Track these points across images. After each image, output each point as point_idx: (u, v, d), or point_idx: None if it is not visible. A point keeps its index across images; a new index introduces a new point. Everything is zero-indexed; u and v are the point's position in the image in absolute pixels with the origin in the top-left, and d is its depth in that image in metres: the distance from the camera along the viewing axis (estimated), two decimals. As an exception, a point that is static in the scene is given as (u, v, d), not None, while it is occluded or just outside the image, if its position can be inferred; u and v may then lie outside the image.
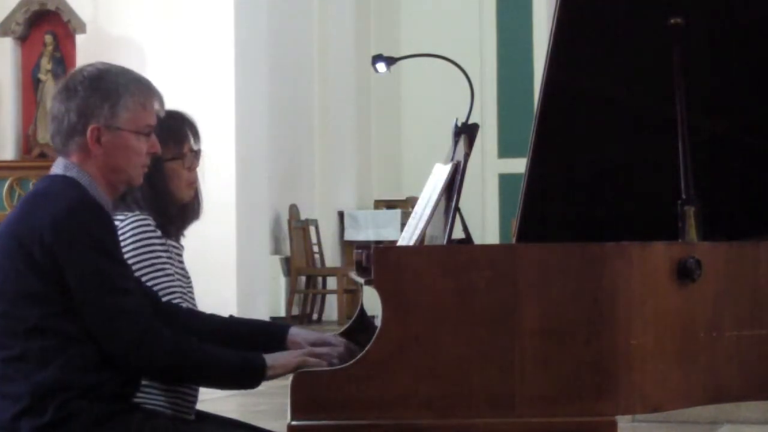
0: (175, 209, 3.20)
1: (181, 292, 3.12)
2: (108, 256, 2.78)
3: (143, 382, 3.00)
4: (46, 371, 2.75)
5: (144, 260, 3.04)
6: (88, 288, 2.75)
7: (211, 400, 5.45)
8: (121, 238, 3.01)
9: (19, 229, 2.80)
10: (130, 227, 3.08)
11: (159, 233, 3.12)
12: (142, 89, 2.91)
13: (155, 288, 3.03)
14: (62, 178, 2.86)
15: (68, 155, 2.88)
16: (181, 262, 3.25)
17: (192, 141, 3.24)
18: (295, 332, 3.08)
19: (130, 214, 3.10)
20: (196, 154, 3.25)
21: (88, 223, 2.77)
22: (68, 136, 2.87)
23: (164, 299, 3.04)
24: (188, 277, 3.24)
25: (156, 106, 2.94)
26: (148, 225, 3.10)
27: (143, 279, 3.03)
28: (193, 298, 3.24)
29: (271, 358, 2.89)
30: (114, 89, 2.87)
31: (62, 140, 2.88)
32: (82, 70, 2.93)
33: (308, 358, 2.91)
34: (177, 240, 3.26)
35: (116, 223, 3.04)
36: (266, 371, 2.87)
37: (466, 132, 3.25)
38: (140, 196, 3.12)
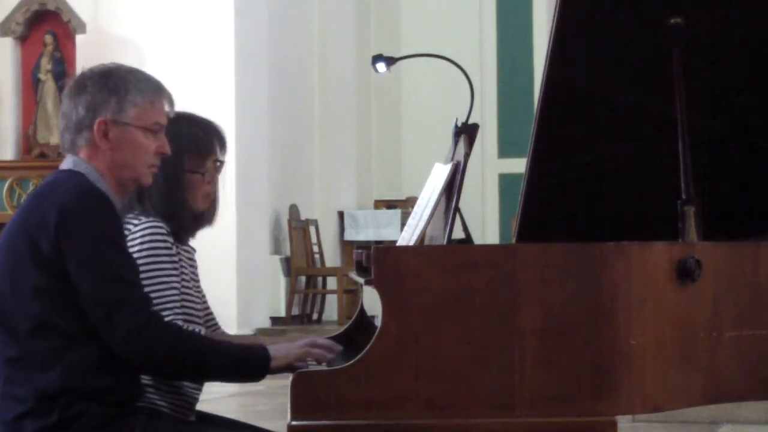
0: (188, 218, 3.17)
1: (177, 308, 3.07)
2: (112, 245, 2.78)
3: (144, 381, 3.00)
4: (48, 375, 2.75)
5: (148, 270, 3.01)
6: (90, 276, 2.74)
7: (212, 400, 5.46)
8: (131, 242, 3.01)
9: (27, 221, 2.81)
10: (141, 233, 3.05)
11: (170, 242, 3.08)
12: (151, 87, 2.93)
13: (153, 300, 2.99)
14: (70, 172, 2.87)
15: (77, 152, 2.89)
16: (193, 265, 3.21)
17: (218, 153, 3.21)
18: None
19: (144, 219, 3.07)
20: (219, 165, 3.22)
21: (93, 212, 2.78)
22: (76, 131, 2.88)
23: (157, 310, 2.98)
24: (197, 281, 3.21)
25: (166, 106, 2.94)
26: (161, 233, 3.06)
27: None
28: (196, 306, 3.19)
29: (274, 349, 2.89)
30: (122, 85, 2.89)
31: (71, 136, 2.89)
32: (92, 68, 2.95)
33: (311, 350, 2.91)
34: (182, 242, 3.23)
35: (129, 226, 3.04)
36: (270, 361, 2.86)
37: (466, 132, 3.25)
38: (156, 200, 3.10)
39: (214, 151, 3.19)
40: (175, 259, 3.09)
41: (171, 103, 2.96)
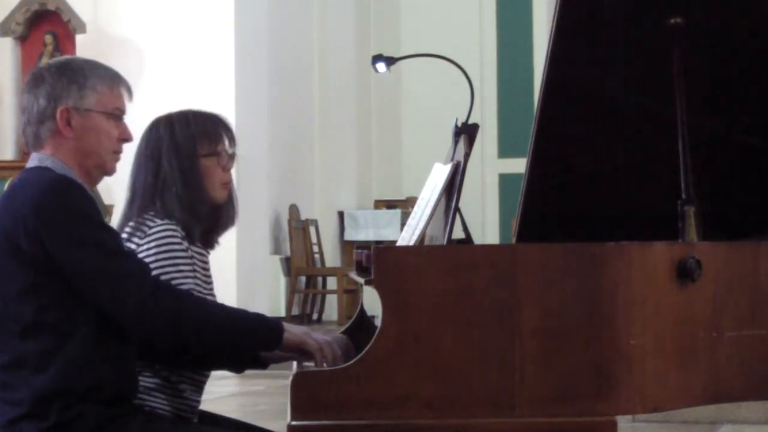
0: (206, 209, 3.16)
1: None
2: (96, 225, 2.80)
3: (147, 385, 3.00)
4: (44, 375, 2.75)
5: (164, 272, 3.00)
6: (85, 259, 2.75)
7: (212, 400, 5.46)
8: (146, 244, 3.03)
9: (2, 224, 2.80)
10: (156, 235, 3.05)
11: (184, 245, 3.08)
12: (109, 74, 2.95)
13: None
14: (36, 168, 2.88)
15: (42, 146, 2.89)
16: (206, 267, 3.22)
17: (227, 143, 3.22)
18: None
19: (159, 222, 3.07)
20: (231, 156, 3.23)
21: (67, 200, 2.78)
22: (39, 122, 2.88)
23: None
24: (210, 283, 3.21)
25: (124, 93, 2.96)
26: (176, 235, 3.07)
27: None
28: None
29: (288, 325, 2.92)
30: (80, 72, 2.90)
31: (34, 129, 2.89)
32: (47, 62, 2.99)
33: (327, 350, 2.91)
34: (207, 245, 3.23)
35: (144, 228, 3.05)
36: (283, 330, 2.88)
37: (466, 132, 3.25)
38: (176, 192, 3.09)
39: (222, 139, 3.20)
40: (190, 261, 3.09)
41: (129, 90, 2.98)
